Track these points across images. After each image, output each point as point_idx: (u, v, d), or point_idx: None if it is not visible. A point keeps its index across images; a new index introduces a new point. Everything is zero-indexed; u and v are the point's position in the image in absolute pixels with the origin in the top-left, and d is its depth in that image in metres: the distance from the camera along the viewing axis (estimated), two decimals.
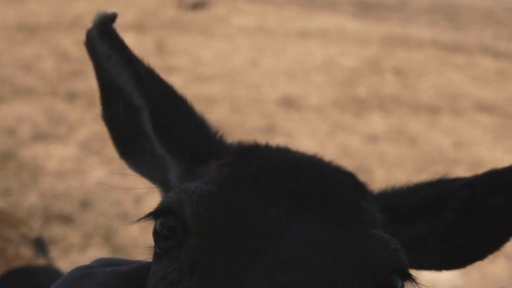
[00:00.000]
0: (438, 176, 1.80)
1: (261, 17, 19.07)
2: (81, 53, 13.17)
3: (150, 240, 1.51)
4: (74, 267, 1.43)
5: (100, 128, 8.83)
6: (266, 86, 11.51)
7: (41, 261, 2.85)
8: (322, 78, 12.37)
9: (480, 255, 1.72)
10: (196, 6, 18.18)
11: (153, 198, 7.03)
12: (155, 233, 1.44)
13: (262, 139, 6.78)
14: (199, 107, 6.98)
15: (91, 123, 9.05)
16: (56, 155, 8.01)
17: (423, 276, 4.70)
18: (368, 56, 14.42)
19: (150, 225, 5.02)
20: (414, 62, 14.07)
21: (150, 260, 1.52)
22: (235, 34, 16.33)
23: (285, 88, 11.48)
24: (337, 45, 15.57)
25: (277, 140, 7.51)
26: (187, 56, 13.56)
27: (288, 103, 10.61)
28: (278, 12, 20.20)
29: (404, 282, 1.41)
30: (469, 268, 1.73)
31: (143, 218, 1.49)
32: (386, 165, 8.24)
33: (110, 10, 1.79)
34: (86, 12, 17.66)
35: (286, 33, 16.86)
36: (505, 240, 1.69)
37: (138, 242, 6.11)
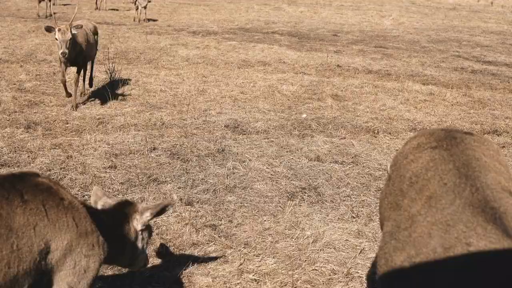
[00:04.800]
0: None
1: (203, 49, 19.13)
2: (35, 85, 13.00)
3: None
4: None
5: (58, 156, 8.69)
6: (213, 113, 11.49)
7: None
8: (266, 104, 12.41)
9: None
10: None
11: None
12: None
13: (215, 163, 6.74)
14: (152, 133, 6.92)
15: (50, 151, 8.90)
16: None
17: None
18: (307, 83, 14.54)
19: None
20: (350, 88, 14.21)
21: None
22: (180, 65, 16.32)
23: (231, 114, 11.47)
24: (277, 73, 15.68)
25: (229, 164, 7.44)
26: (137, 86, 13.48)
27: (236, 128, 10.59)
28: (219, 44, 20.28)
29: None
30: None
31: None
32: (333, 183, 8.26)
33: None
34: (37, 48, 17.50)
35: (227, 63, 16.90)
36: None
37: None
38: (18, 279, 3.47)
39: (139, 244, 4.51)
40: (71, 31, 11.19)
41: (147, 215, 4.44)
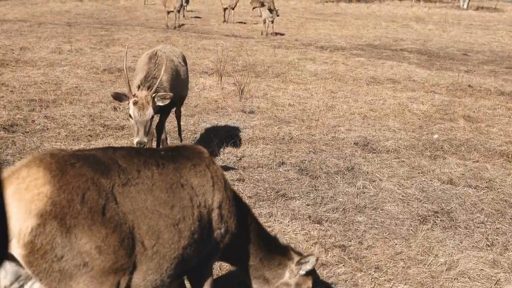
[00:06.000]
0: None
1: (331, 64, 18.96)
2: None
3: None
4: None
5: None
6: (342, 130, 11.30)
7: None
8: (396, 122, 12.10)
9: None
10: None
11: None
12: None
13: (344, 181, 6.52)
14: (281, 147, 6.79)
15: None
16: None
17: None
18: (438, 102, 14.13)
19: None
20: (483, 109, 13.71)
21: None
22: (308, 79, 16.21)
23: (361, 131, 11.24)
24: (407, 91, 15.33)
25: (359, 183, 7.15)
26: (266, 100, 13.44)
27: (365, 146, 10.36)
28: (347, 60, 20.07)
29: None
30: None
31: None
32: (467, 208, 7.91)
33: None
34: None
35: (356, 79, 16.67)
36: None
37: None
38: (198, 232, 3.93)
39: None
40: (153, 104, 7.07)
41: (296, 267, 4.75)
